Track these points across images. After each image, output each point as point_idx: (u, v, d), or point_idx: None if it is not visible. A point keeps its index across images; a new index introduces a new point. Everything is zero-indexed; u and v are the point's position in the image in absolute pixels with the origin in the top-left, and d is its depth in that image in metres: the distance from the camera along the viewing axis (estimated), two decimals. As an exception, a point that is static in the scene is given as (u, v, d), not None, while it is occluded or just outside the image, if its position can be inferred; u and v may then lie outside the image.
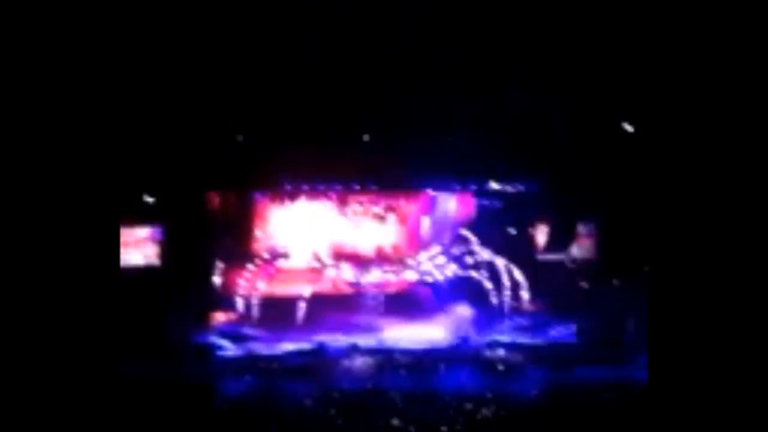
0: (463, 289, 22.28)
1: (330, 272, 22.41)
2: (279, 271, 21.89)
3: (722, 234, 7.24)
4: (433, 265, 22.78)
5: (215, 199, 21.21)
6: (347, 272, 22.53)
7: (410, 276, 22.80)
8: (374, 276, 22.58)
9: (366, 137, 20.32)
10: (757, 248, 7.16)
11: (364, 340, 19.59)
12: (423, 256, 22.98)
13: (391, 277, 22.75)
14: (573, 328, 20.05)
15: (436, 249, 23.00)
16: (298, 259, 22.37)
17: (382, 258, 23.07)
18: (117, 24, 16.22)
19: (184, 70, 18.74)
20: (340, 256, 22.78)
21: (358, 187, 22.66)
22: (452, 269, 22.67)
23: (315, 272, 22.28)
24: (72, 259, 7.67)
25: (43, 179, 7.62)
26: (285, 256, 22.21)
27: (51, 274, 7.59)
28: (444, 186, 22.89)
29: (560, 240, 22.73)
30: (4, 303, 7.40)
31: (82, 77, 8.00)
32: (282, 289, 21.69)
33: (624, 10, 17.77)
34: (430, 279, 22.69)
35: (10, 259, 7.44)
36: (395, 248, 23.40)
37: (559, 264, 22.74)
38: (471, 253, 22.84)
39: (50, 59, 7.79)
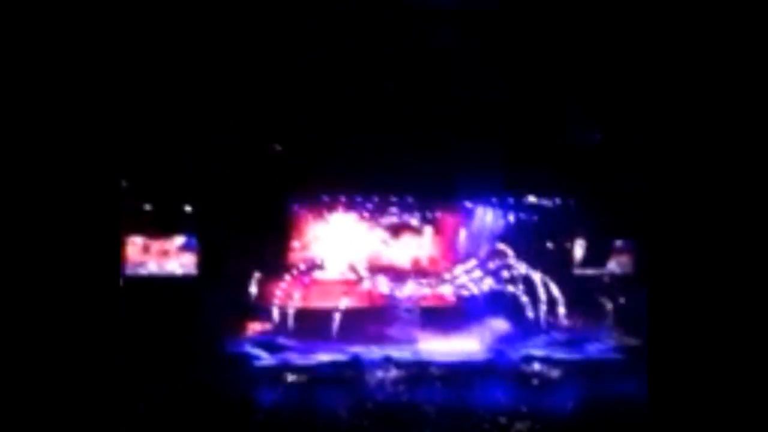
0: (499, 302, 22.25)
1: (366, 284, 22.43)
2: (315, 282, 21.95)
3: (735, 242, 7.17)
4: (469, 279, 22.74)
5: (252, 209, 21.28)
6: (383, 285, 22.55)
7: (446, 289, 22.78)
8: (410, 289, 22.58)
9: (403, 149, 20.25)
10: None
11: (398, 353, 19.53)
12: (459, 269, 22.94)
13: (427, 291, 22.74)
14: (610, 343, 19.86)
15: (472, 262, 22.95)
16: (334, 270, 22.42)
17: (418, 271, 23.08)
18: (151, 35, 16.44)
19: (222, 79, 18.85)
20: (376, 268, 22.80)
21: (395, 199, 22.72)
22: (488, 283, 22.61)
23: (351, 284, 22.32)
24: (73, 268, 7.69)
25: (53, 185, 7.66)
26: (321, 267, 22.27)
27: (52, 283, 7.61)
28: (481, 199, 22.87)
29: (598, 255, 22.61)
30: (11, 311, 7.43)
31: (111, 85, 8.06)
32: (317, 300, 21.74)
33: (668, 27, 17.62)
34: (466, 293, 22.66)
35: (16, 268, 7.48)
36: (431, 261, 23.41)
37: (597, 279, 22.63)
38: (507, 266, 22.78)
39: (76, 69, 7.84)
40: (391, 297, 22.52)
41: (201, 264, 21.06)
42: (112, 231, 8.01)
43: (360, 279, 22.43)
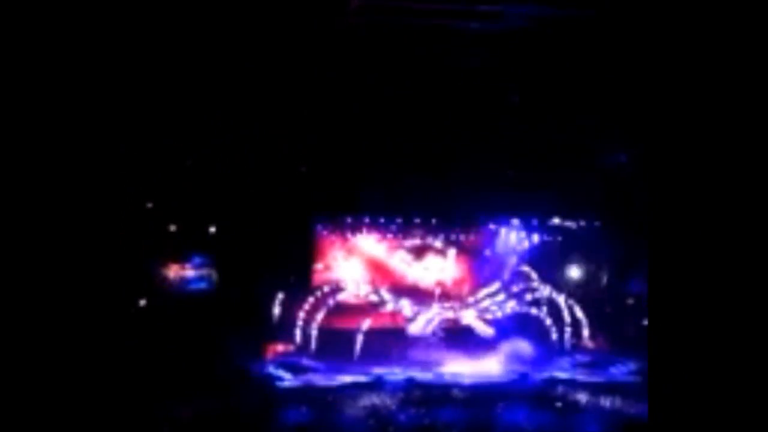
0: (522, 324, 22.16)
1: (389, 307, 22.37)
2: (338, 303, 21.93)
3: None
4: (493, 302, 22.66)
5: (277, 230, 21.32)
6: (406, 308, 22.48)
7: (470, 313, 22.68)
8: (433, 312, 22.52)
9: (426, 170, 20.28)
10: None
11: (421, 374, 19.47)
12: (483, 292, 22.87)
13: (450, 314, 22.66)
14: (633, 366, 19.71)
15: (495, 285, 22.90)
16: (358, 292, 22.40)
17: (441, 294, 23.04)
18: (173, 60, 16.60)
19: (250, 102, 18.98)
20: (400, 291, 22.76)
21: (418, 221, 22.74)
22: (512, 306, 22.53)
23: (374, 306, 22.28)
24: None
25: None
26: (344, 289, 22.24)
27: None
28: (505, 221, 22.85)
29: (622, 277, 22.50)
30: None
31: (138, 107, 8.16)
32: (341, 321, 21.71)
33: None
34: (489, 316, 22.56)
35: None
36: (455, 283, 23.36)
37: (621, 301, 22.51)
38: (531, 289, 22.72)
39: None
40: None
41: (225, 284, 21.13)
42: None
43: (383, 302, 22.36)
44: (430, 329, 22.08)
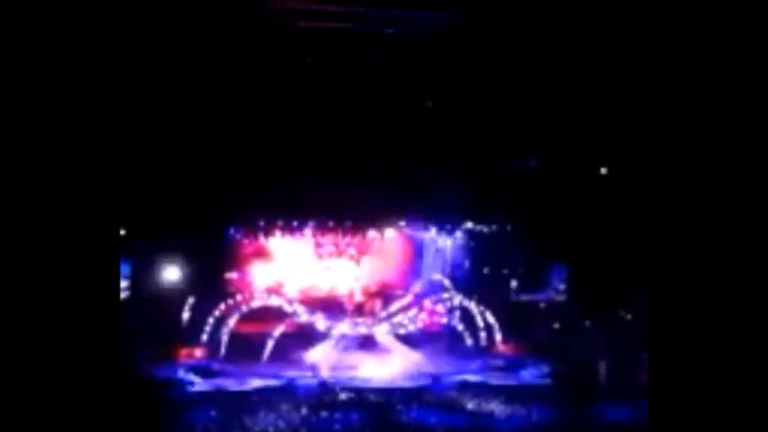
0: (435, 328, 22.26)
1: (302, 319, 22.16)
2: (251, 308, 21.70)
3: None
4: (405, 317, 22.62)
5: (189, 235, 21.09)
6: (320, 322, 22.30)
7: (383, 329, 22.63)
8: (345, 327, 22.43)
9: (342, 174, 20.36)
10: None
11: (333, 378, 19.36)
12: (395, 306, 22.81)
13: (363, 330, 22.58)
14: (545, 369, 19.95)
15: (408, 298, 22.88)
16: (271, 298, 22.20)
17: (354, 308, 22.99)
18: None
19: (159, 103, 18.81)
20: (313, 302, 22.60)
21: (332, 224, 22.72)
22: (423, 318, 22.57)
23: (287, 314, 22.08)
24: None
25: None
26: (257, 299, 22.01)
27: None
28: (419, 225, 22.98)
29: (533, 281, 22.80)
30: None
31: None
32: (253, 326, 21.50)
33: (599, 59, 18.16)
34: (402, 331, 22.52)
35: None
36: (368, 295, 23.35)
37: (532, 305, 22.80)
38: (443, 299, 22.77)
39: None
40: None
41: (135, 288, 20.79)
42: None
43: (296, 314, 22.12)
44: (336, 352, 21.95)
